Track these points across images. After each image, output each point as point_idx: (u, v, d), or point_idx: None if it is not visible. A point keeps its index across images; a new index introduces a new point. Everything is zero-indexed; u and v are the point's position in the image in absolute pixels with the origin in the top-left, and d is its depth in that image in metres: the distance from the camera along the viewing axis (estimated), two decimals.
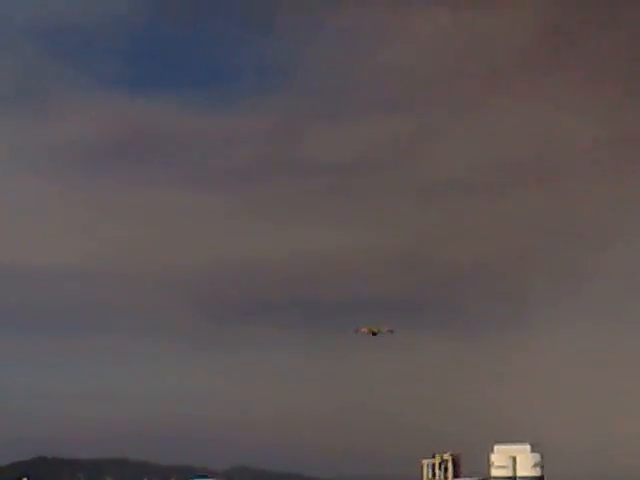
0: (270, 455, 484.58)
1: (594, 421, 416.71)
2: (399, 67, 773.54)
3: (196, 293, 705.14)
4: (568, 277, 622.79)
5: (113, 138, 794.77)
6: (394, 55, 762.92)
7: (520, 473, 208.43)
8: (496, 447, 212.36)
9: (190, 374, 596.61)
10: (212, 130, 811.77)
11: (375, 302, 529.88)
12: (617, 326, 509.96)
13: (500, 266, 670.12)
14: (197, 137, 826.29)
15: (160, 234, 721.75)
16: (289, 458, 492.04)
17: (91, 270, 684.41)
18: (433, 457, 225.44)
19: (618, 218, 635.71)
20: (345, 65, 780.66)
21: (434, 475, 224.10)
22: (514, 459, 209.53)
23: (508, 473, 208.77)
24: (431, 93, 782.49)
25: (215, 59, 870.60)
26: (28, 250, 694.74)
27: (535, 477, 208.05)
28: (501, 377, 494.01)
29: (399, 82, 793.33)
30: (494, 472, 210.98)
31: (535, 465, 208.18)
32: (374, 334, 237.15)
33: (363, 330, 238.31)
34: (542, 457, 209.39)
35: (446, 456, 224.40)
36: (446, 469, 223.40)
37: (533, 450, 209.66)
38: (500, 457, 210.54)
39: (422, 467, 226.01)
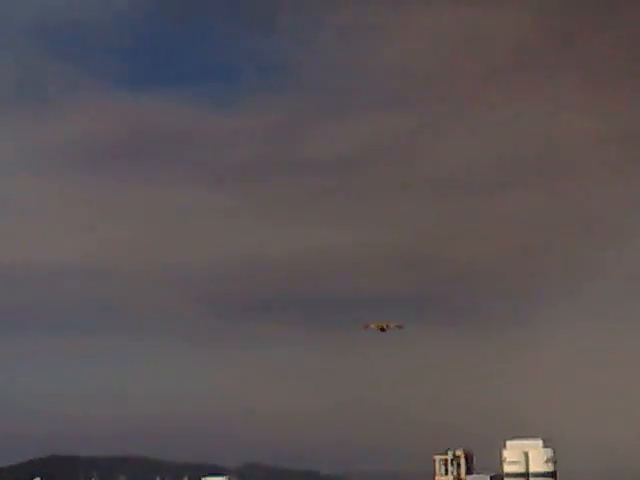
0: (282, 452, 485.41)
1: (606, 416, 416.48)
2: (400, 65, 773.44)
3: (198, 291, 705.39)
4: (572, 274, 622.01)
5: (113, 137, 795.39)
6: (394, 53, 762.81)
7: (533, 469, 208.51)
8: (508, 443, 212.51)
9: (202, 372, 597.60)
10: (213, 128, 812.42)
11: (377, 299, 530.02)
12: (626, 323, 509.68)
13: (503, 263, 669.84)
14: (198, 136, 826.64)
15: (160, 232, 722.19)
16: (300, 455, 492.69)
17: (92, 268, 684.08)
18: (445, 453, 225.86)
19: (619, 216, 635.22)
20: (346, 64, 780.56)
21: (447, 471, 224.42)
22: (526, 455, 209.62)
23: (520, 469, 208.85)
24: (432, 91, 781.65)
25: (216, 58, 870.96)
26: (28, 248, 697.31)
27: (548, 473, 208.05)
28: (512, 373, 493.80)
29: (400, 80, 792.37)
30: (506, 468, 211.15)
31: (548, 461, 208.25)
32: (383, 330, 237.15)
33: (372, 326, 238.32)
34: (554, 452, 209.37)
35: (458, 452, 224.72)
36: (458, 465, 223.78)
37: (545, 445, 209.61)
38: (512, 453, 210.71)
39: (434, 463, 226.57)
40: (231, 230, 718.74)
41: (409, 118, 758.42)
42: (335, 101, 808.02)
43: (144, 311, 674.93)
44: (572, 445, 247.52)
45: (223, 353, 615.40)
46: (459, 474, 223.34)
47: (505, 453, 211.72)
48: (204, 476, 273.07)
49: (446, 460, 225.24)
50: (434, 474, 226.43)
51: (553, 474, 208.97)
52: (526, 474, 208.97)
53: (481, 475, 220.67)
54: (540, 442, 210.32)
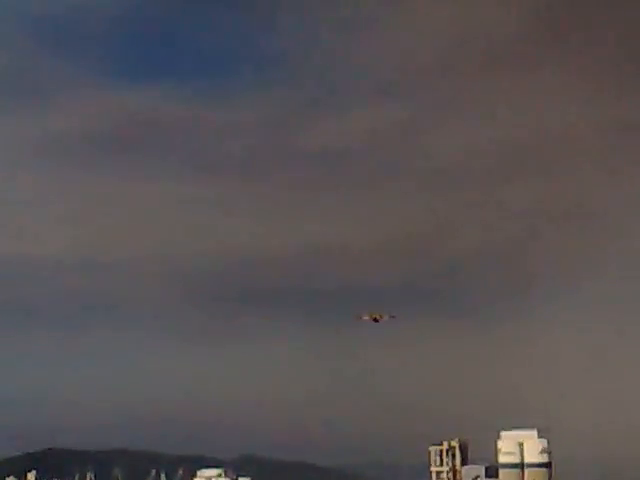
0: (278, 444, 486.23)
1: (601, 407, 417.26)
2: (396, 59, 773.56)
3: (192, 285, 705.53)
4: (570, 266, 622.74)
5: (109, 130, 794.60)
6: (391, 47, 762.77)
7: (528, 460, 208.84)
8: (503, 433, 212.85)
9: (197, 365, 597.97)
10: (210, 121, 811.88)
11: (371, 290, 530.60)
12: (624, 315, 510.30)
13: (500, 255, 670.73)
14: (195, 128, 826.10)
15: (156, 225, 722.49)
16: (296, 447, 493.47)
17: (85, 261, 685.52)
18: (440, 444, 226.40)
19: (618, 205, 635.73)
20: (343, 57, 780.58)
21: (442, 462, 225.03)
22: (521, 445, 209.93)
23: (515, 460, 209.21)
24: (429, 84, 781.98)
25: (214, 51, 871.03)
26: (22, 241, 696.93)
27: (543, 463, 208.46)
28: (507, 365, 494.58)
29: (397, 73, 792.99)
30: (501, 458, 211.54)
31: (542, 451, 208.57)
32: (376, 320, 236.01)
33: (365, 317, 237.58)
34: (549, 443, 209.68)
35: (453, 443, 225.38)
36: (454, 456, 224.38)
37: (540, 436, 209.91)
38: (507, 443, 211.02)
39: (430, 454, 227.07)
40: (229, 222, 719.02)
41: (406, 111, 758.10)
42: (332, 95, 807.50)
43: (140, 305, 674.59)
44: (567, 436, 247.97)
45: (218, 346, 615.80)
46: (454, 465, 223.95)
47: (500, 444, 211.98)
48: (200, 468, 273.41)
49: (441, 451, 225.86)
50: (429, 465, 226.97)
51: (548, 465, 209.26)
52: (521, 465, 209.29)
53: (476, 466, 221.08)
54: (535, 433, 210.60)
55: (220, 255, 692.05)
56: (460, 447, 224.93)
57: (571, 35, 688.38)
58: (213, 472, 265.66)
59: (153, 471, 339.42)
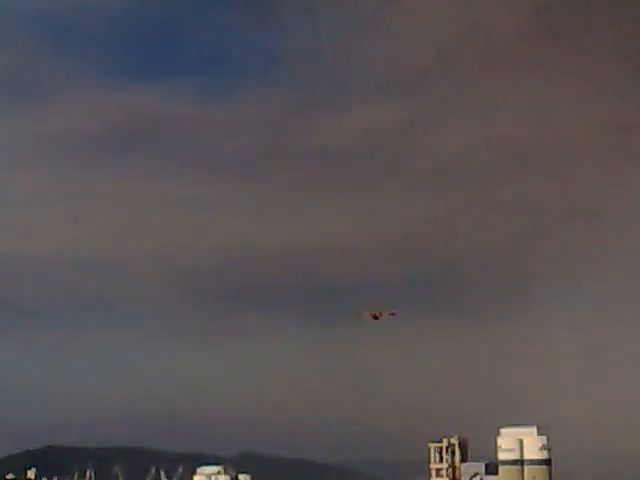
0: (277, 441, 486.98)
1: (600, 404, 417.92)
2: (398, 57, 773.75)
3: (192, 283, 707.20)
4: (570, 264, 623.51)
5: (110, 129, 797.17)
6: (393, 44, 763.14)
7: (527, 456, 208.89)
8: (503, 430, 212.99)
9: (196, 363, 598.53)
10: (211, 121, 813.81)
11: (376, 288, 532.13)
12: (624, 315, 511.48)
13: (500, 252, 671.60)
14: (195, 128, 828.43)
15: (155, 224, 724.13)
16: (296, 444, 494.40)
17: (86, 259, 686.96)
18: (440, 441, 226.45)
19: (619, 205, 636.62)
20: (345, 56, 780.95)
21: (441, 459, 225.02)
22: (521, 442, 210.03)
23: (515, 456, 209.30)
24: (430, 82, 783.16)
25: (214, 51, 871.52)
26: (23, 241, 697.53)
27: (542, 460, 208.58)
28: (506, 362, 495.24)
29: (398, 71, 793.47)
30: (501, 455, 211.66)
31: (542, 448, 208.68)
32: (376, 318, 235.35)
33: (365, 314, 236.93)
34: (549, 440, 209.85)
35: (453, 440, 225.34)
36: (453, 453, 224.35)
37: (540, 433, 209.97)
38: (507, 440, 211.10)
39: (429, 451, 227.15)
40: (230, 220, 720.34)
41: (406, 111, 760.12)
42: (333, 94, 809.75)
43: (140, 304, 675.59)
44: (566, 432, 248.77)
45: (219, 344, 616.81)
46: (454, 462, 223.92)
47: (500, 441, 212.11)
48: (200, 465, 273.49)
49: (441, 448, 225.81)
50: (429, 462, 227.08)
51: (547, 461, 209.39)
52: (521, 461, 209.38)
53: (476, 463, 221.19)
54: (534, 430, 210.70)
55: (220, 254, 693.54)
56: (460, 444, 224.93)
57: (571, 35, 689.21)
58: (213, 469, 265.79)
59: (153, 469, 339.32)
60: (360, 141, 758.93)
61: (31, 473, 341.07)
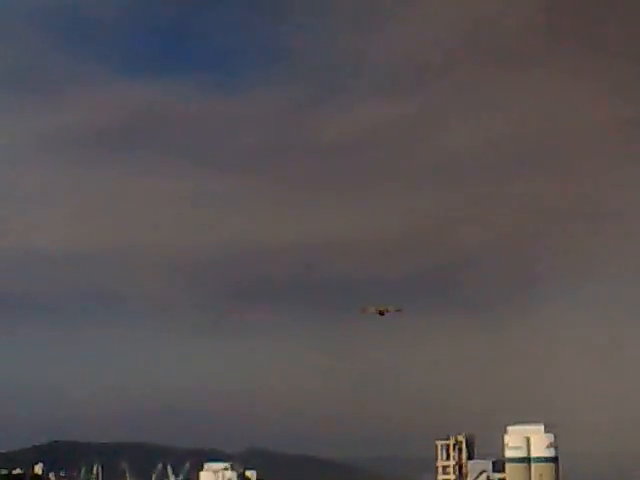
0: (284, 438, 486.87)
1: (607, 402, 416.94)
2: (403, 53, 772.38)
3: (197, 278, 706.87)
4: (575, 260, 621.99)
5: (115, 123, 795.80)
6: (397, 42, 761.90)
7: (534, 454, 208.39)
8: (510, 428, 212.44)
9: (202, 359, 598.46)
10: (214, 117, 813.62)
11: (381, 284, 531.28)
12: (630, 312, 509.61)
13: (505, 249, 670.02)
14: (201, 121, 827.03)
15: (159, 219, 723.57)
16: (303, 441, 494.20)
17: (89, 257, 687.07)
18: (447, 439, 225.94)
19: (622, 201, 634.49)
20: (351, 49, 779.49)
21: (448, 456, 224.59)
22: (528, 440, 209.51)
23: (522, 454, 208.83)
24: (435, 78, 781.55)
25: (219, 47, 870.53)
26: (22, 235, 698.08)
27: (549, 458, 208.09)
28: (513, 360, 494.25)
29: (403, 67, 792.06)
30: (508, 453, 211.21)
31: (549, 446, 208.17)
32: (381, 314, 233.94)
33: (370, 310, 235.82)
34: (556, 438, 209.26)
35: (460, 437, 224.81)
36: (460, 450, 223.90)
37: (547, 431, 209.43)
38: (514, 438, 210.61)
39: (436, 448, 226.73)
40: (234, 215, 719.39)
41: (411, 105, 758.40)
42: (337, 91, 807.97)
43: (146, 299, 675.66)
44: (573, 430, 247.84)
45: (225, 340, 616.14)
46: (461, 459, 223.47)
47: (507, 438, 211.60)
48: (207, 461, 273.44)
49: (448, 445, 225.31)
50: (436, 459, 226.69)
51: (555, 459, 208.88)
52: (528, 459, 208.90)
53: (483, 460, 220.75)
54: (542, 427, 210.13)
55: (221, 250, 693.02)
56: (467, 442, 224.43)
57: (581, 31, 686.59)
58: (220, 466, 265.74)
59: (160, 464, 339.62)
60: (362, 138, 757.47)
61: (38, 468, 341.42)
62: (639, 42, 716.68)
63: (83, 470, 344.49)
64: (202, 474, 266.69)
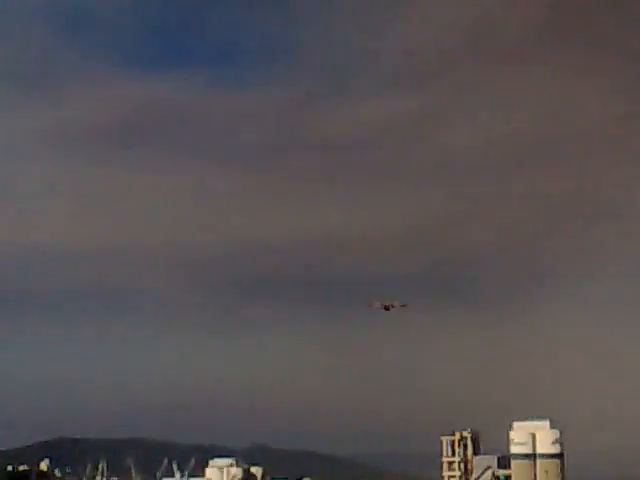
0: (289, 434, 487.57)
1: (613, 399, 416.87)
2: (406, 50, 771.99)
3: (201, 275, 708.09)
4: (580, 256, 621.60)
5: (120, 120, 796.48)
6: (401, 38, 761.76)
7: (540, 450, 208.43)
8: (515, 424, 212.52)
9: (207, 356, 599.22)
10: (218, 111, 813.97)
11: (382, 280, 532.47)
12: (637, 309, 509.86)
13: (508, 245, 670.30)
14: (202, 118, 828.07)
15: (162, 215, 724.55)
16: (307, 437, 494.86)
17: (93, 252, 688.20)
18: (452, 434, 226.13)
19: (630, 198, 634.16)
20: (353, 48, 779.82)
21: (454, 452, 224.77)
22: (533, 436, 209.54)
23: (528, 450, 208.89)
24: (438, 75, 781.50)
25: (226, 41, 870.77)
26: (28, 232, 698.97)
27: (555, 454, 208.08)
28: (519, 355, 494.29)
29: (406, 64, 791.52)
30: (513, 449, 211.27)
31: (555, 442, 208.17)
32: (387, 309, 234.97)
33: (376, 305, 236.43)
34: (561, 434, 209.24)
35: (465, 433, 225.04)
36: (465, 446, 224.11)
37: (552, 427, 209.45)
38: (519, 434, 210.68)
39: (442, 444, 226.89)
40: (237, 211, 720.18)
41: (414, 102, 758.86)
42: (346, 85, 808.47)
43: (151, 295, 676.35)
44: (579, 426, 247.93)
45: (228, 336, 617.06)
46: (466, 455, 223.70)
47: (512, 434, 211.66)
48: (212, 458, 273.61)
49: (453, 441, 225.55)
50: (441, 455, 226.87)
51: (560, 455, 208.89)
52: (533, 455, 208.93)
53: (488, 456, 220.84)
54: (547, 423, 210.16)
55: (225, 247, 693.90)
56: (472, 437, 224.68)
57: (586, 27, 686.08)
58: (225, 462, 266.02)
59: (165, 460, 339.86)
60: (363, 136, 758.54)
61: (44, 464, 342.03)
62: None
63: (89, 466, 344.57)
64: (207, 470, 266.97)
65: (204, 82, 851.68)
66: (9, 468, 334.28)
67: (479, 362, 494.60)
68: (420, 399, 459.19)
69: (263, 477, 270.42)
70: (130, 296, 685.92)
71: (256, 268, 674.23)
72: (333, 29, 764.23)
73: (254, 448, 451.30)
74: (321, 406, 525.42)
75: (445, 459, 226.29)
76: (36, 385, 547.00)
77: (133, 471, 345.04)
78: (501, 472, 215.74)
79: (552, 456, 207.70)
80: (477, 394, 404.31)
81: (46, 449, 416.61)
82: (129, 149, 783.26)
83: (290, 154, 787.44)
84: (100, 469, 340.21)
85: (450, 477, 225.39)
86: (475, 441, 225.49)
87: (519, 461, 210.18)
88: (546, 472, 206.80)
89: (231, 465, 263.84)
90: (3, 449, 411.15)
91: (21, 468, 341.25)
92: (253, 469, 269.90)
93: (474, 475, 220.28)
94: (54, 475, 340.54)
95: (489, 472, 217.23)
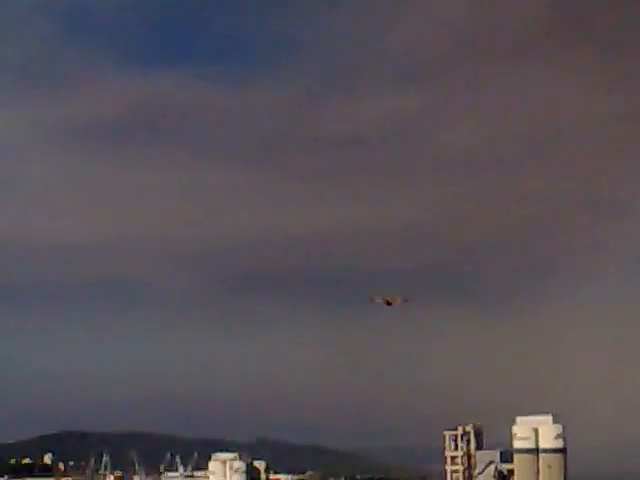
0: (292, 428, 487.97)
1: (616, 393, 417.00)
2: (411, 46, 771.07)
3: (205, 270, 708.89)
4: (583, 253, 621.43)
5: (122, 115, 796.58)
6: (406, 35, 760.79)
7: (543, 445, 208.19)
8: (518, 419, 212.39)
9: (212, 349, 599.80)
10: (226, 106, 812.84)
11: (389, 275, 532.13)
12: (634, 307, 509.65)
13: (512, 241, 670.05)
14: (210, 113, 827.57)
15: (167, 210, 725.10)
16: (311, 431, 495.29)
17: (98, 246, 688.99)
18: (455, 429, 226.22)
19: (634, 193, 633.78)
20: (359, 42, 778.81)
21: (456, 447, 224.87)
22: (536, 431, 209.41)
23: (530, 445, 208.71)
24: (443, 72, 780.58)
25: (229, 36, 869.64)
26: (33, 226, 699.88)
27: (558, 449, 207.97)
28: (521, 350, 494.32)
29: (411, 61, 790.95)
30: (516, 444, 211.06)
31: (557, 437, 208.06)
32: (389, 303, 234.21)
33: (378, 299, 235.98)
34: (564, 428, 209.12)
35: (468, 428, 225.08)
36: (468, 441, 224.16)
37: (555, 421, 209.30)
38: (522, 429, 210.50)
39: (444, 439, 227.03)
40: (244, 206, 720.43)
41: (420, 98, 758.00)
42: (351, 81, 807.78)
43: (153, 289, 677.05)
44: (582, 421, 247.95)
45: (232, 330, 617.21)
46: (469, 450, 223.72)
47: (515, 429, 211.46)
48: (215, 451, 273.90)
49: (456, 436, 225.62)
50: (444, 449, 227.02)
51: (563, 450, 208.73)
52: (536, 450, 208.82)
53: (491, 451, 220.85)
54: (550, 418, 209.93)
55: (226, 241, 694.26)
56: (475, 432, 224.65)
57: (588, 25, 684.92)
58: (228, 456, 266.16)
59: (168, 454, 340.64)
60: (373, 129, 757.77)
61: (47, 458, 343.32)
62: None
63: (92, 460, 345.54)
64: (210, 464, 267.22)
65: (203, 78, 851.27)
66: (12, 461, 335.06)
67: (481, 358, 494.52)
68: (423, 394, 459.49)
69: (266, 471, 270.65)
70: (133, 290, 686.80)
71: (257, 264, 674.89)
72: (335, 27, 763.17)
73: (257, 442, 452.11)
74: (324, 400, 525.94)
75: (448, 453, 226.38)
76: (39, 379, 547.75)
77: (136, 465, 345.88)
78: (504, 466, 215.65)
79: (555, 451, 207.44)
80: (480, 389, 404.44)
81: (49, 443, 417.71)
82: (128, 146, 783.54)
83: (291, 150, 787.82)
84: (103, 463, 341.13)
85: (453, 471, 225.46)
86: (478, 436, 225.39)
87: (522, 455, 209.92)
88: (549, 467, 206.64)
89: (234, 459, 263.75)
90: (6, 442, 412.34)
91: (24, 461, 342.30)
92: (256, 463, 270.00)
93: (477, 469, 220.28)
94: (57, 468, 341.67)
95: (492, 466, 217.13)
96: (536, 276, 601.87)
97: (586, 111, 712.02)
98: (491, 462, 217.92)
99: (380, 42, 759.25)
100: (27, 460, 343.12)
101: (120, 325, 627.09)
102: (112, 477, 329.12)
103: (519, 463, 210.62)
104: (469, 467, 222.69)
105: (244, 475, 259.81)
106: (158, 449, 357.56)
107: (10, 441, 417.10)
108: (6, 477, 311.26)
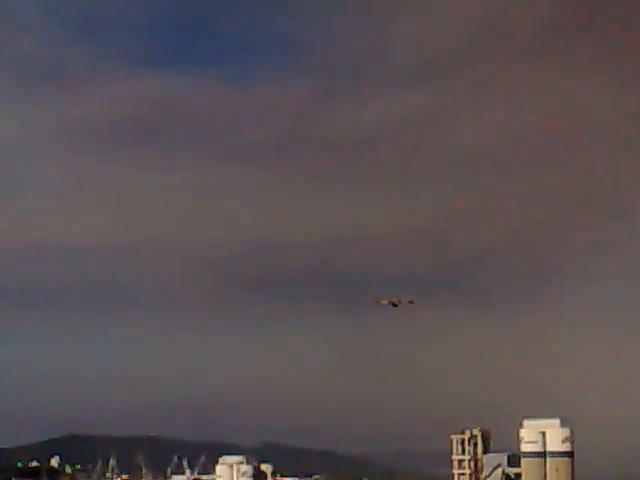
0: (299, 431, 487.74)
1: (623, 397, 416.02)
2: (418, 47, 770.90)
3: (212, 271, 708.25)
4: (588, 255, 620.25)
5: (131, 117, 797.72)
6: (413, 35, 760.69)
7: (550, 448, 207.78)
8: (526, 422, 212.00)
9: (218, 353, 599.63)
10: (232, 108, 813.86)
11: (397, 277, 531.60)
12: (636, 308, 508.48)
13: (518, 243, 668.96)
14: (218, 115, 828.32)
15: (175, 213, 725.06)
16: (318, 434, 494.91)
17: (106, 248, 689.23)
18: (462, 433, 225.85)
19: (633, 190, 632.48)
20: (367, 42, 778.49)
21: (463, 450, 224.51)
22: (544, 434, 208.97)
23: (538, 448, 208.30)
24: (449, 73, 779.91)
25: (238, 38, 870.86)
26: (42, 228, 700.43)
27: (565, 452, 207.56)
28: (528, 353, 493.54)
29: (418, 61, 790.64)
30: (524, 447, 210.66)
31: (565, 440, 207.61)
32: (394, 305, 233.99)
33: (383, 301, 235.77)
34: (572, 432, 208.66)
35: (475, 431, 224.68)
36: (475, 444, 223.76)
37: (563, 425, 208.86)
38: (530, 432, 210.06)
39: (451, 442, 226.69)
40: (250, 209, 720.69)
41: (426, 100, 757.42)
42: (357, 82, 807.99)
43: (159, 292, 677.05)
44: (589, 425, 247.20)
45: (237, 334, 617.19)
46: (476, 453, 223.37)
47: (522, 432, 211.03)
48: (222, 455, 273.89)
49: (463, 439, 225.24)
50: (451, 453, 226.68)
51: (570, 453, 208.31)
52: (543, 453, 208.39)
53: (498, 454, 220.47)
54: (557, 421, 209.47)
55: (237, 243, 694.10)
56: (482, 436, 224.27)
57: (595, 25, 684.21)
58: (235, 459, 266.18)
59: (175, 458, 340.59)
60: (376, 133, 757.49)
61: (54, 461, 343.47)
62: None
63: (99, 463, 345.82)
64: (217, 467, 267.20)
65: (217, 79, 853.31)
66: (20, 465, 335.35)
67: (488, 361, 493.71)
68: (430, 398, 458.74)
69: (273, 474, 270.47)
70: (142, 292, 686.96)
71: (264, 266, 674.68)
72: (344, 26, 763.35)
73: (264, 445, 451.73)
74: (329, 404, 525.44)
75: (455, 457, 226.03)
76: (47, 383, 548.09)
77: (143, 468, 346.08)
78: (511, 470, 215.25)
79: (562, 454, 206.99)
80: (486, 392, 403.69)
81: (56, 446, 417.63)
82: (140, 146, 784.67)
83: (304, 151, 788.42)
84: (110, 466, 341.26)
85: (460, 475, 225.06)
86: (485, 439, 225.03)
87: (529, 459, 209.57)
88: (556, 470, 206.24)
89: (241, 462, 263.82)
90: (14, 446, 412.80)
91: (32, 464, 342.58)
92: (263, 466, 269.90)
93: (484, 473, 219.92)
94: (64, 472, 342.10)
95: (499, 470, 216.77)
96: (537, 277, 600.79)
97: (597, 110, 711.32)
98: (498, 465, 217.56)
99: (386, 42, 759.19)
100: (34, 463, 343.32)
101: (127, 329, 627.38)
102: None
103: (526, 467, 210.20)
104: (476, 471, 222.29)
105: (251, 478, 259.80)
106: (165, 453, 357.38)
107: (17, 444, 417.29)
108: None
